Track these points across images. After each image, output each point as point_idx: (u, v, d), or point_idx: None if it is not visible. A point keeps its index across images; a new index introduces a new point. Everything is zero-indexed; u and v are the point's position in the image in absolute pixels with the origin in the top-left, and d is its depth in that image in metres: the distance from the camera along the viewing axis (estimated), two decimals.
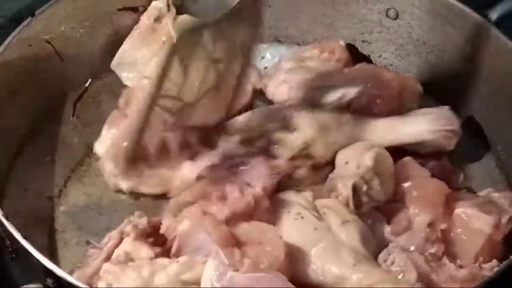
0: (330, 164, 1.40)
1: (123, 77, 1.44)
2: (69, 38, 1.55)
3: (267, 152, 1.37)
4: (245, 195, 1.30)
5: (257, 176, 1.33)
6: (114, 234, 1.28)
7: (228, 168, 1.36)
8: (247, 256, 1.21)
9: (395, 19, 1.64)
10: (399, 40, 1.66)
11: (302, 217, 1.29)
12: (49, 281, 1.17)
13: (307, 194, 1.34)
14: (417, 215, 1.33)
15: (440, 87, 1.61)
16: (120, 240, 1.27)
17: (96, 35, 1.58)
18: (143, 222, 1.29)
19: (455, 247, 1.33)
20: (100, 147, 1.50)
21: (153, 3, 1.45)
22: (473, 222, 1.33)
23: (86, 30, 1.57)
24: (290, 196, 1.35)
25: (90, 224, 1.44)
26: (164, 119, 1.32)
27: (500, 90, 1.49)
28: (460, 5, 1.54)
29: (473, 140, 1.56)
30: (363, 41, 1.69)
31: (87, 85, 1.58)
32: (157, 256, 1.25)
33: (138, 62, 1.42)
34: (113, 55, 1.60)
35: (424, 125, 1.44)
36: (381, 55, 1.69)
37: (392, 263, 1.25)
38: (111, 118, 1.52)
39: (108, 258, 1.26)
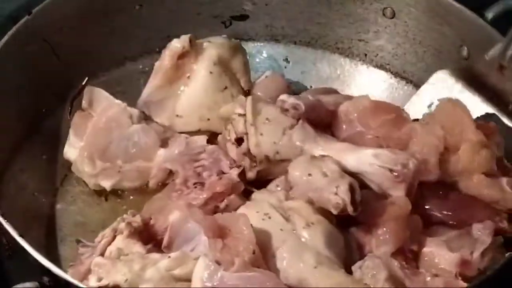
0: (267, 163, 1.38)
1: (152, 116, 1.52)
2: (66, 36, 1.54)
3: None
4: (222, 178, 1.34)
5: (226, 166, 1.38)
6: (107, 232, 1.28)
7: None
8: (227, 247, 1.18)
9: (392, 18, 1.64)
10: (396, 39, 1.66)
11: (270, 217, 1.26)
12: (46, 279, 1.18)
13: (281, 194, 1.32)
14: (381, 243, 1.27)
15: None
16: (113, 238, 1.27)
17: (92, 33, 1.58)
18: (137, 219, 1.29)
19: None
20: (71, 151, 1.48)
21: (173, 42, 1.49)
22: (439, 263, 1.28)
23: (83, 28, 1.57)
24: (262, 195, 1.33)
25: (87, 222, 1.44)
26: None
27: None
28: (456, 4, 1.55)
29: None
30: (359, 40, 1.69)
31: (83, 83, 1.58)
32: (148, 252, 1.26)
33: (166, 100, 1.51)
34: (109, 53, 1.61)
35: (366, 157, 1.32)
36: (377, 54, 1.69)
37: (367, 268, 1.23)
38: (76, 120, 1.50)
39: (101, 256, 1.26)
